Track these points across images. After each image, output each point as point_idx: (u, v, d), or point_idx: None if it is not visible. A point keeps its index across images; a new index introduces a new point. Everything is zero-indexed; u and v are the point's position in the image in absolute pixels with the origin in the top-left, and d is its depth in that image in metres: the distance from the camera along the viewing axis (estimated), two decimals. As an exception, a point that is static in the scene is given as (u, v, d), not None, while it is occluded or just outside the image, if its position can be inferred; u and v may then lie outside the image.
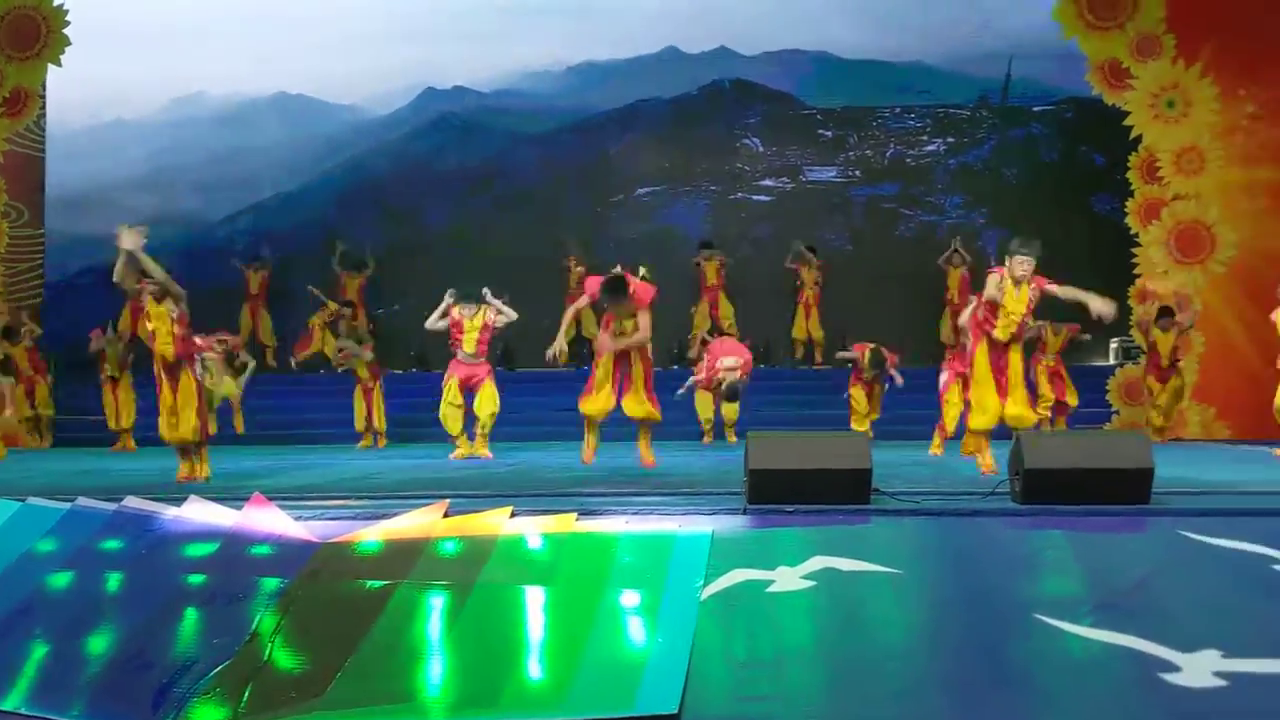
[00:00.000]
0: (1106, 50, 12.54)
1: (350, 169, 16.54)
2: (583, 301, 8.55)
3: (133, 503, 5.84)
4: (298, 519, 5.59)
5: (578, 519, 5.54)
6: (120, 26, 15.75)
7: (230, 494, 6.33)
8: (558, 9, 16.31)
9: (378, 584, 4.94)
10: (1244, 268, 11.96)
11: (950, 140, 16.01)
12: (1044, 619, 4.41)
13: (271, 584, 5.01)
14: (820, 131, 16.29)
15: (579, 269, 15.06)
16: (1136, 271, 12.57)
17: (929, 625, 4.53)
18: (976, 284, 14.40)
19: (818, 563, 4.91)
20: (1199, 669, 3.99)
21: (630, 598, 4.81)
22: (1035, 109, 15.82)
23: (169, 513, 5.73)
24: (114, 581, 5.19)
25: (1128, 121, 12.51)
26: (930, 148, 16.11)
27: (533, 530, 5.44)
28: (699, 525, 5.38)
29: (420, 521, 5.51)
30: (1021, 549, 5.12)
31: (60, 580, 5.21)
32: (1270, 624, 4.31)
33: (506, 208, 16.07)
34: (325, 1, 16.29)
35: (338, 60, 16.22)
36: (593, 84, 16.39)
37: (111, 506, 5.80)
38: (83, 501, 5.90)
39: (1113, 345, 14.15)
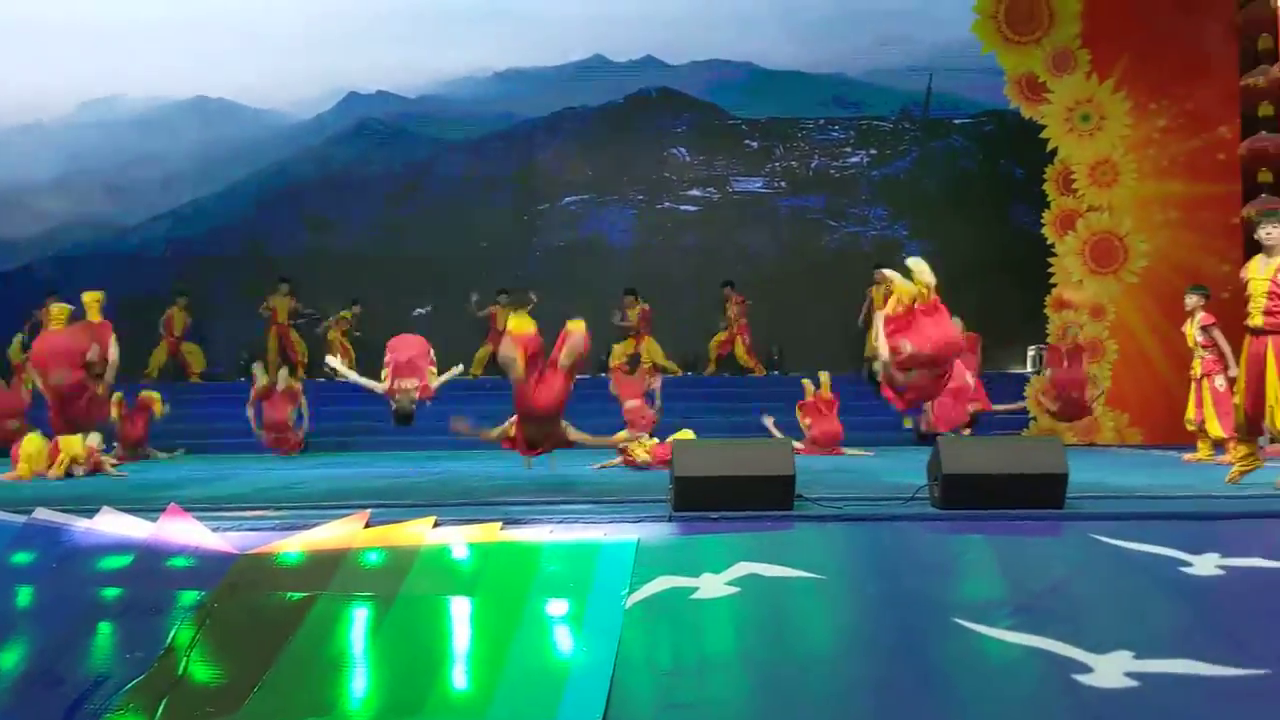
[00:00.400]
0: (1024, 64, 12.82)
1: (271, 174, 16.27)
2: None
3: (43, 515, 5.67)
4: (215, 530, 5.48)
5: (502, 528, 5.51)
6: (32, 27, 15.37)
7: (146, 505, 6.18)
8: (483, 15, 16.22)
9: (298, 595, 4.86)
10: (1156, 277, 12.30)
11: (873, 152, 16.24)
12: (962, 622, 4.47)
13: (190, 597, 4.90)
14: (747, 142, 16.41)
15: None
16: (1053, 281, 12.86)
17: (852, 630, 4.58)
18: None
19: (742, 569, 4.94)
20: (1111, 670, 4.08)
21: (555, 607, 4.80)
22: (956, 121, 16.11)
23: (80, 525, 5.58)
24: (24, 595, 5.04)
25: (1044, 134, 12.80)
26: (854, 159, 16.33)
27: (457, 540, 5.40)
28: (624, 533, 5.38)
29: (341, 532, 5.44)
30: (941, 553, 5.19)
31: (-32, 595, 5.05)
32: (1179, 625, 4.43)
33: (431, 215, 15.94)
34: (244, 4, 16.01)
35: (257, 64, 15.95)
36: (519, 91, 16.32)
37: (21, 519, 5.63)
38: (-9, 514, 5.72)
39: (1030, 352, 14.46)
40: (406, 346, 8.04)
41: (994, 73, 13.12)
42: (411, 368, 7.82)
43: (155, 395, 11.77)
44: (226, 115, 16.34)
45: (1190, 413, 9.83)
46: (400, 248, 15.84)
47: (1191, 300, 9.89)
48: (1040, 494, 5.71)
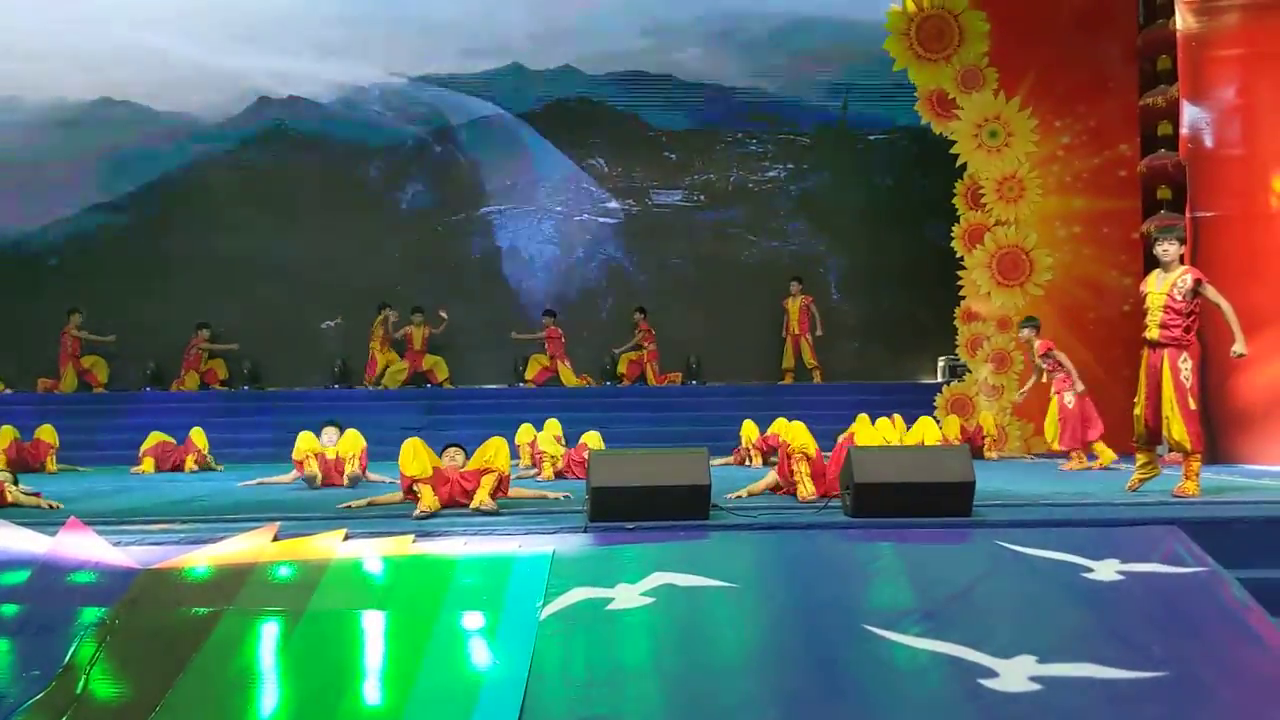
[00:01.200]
0: (934, 81, 13.07)
1: (178, 180, 15.87)
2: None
3: (-67, 530, 5.48)
4: (117, 544, 5.33)
5: (415, 540, 5.45)
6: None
7: (44, 519, 6.01)
8: (398, 21, 16.01)
9: (203, 610, 4.76)
10: (1059, 290, 12.63)
11: (791, 166, 16.37)
12: (873, 629, 4.54)
13: (91, 613, 4.79)
14: (666, 154, 16.44)
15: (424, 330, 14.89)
16: (962, 294, 13.13)
17: (765, 639, 4.62)
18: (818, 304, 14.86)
19: (657, 579, 4.96)
20: (1015, 674, 4.17)
21: (468, 620, 4.76)
22: (871, 137, 16.30)
23: (-27, 540, 5.39)
24: (-88, 614, 4.86)
25: (954, 150, 13.07)
26: (772, 173, 16.45)
27: (368, 553, 5.33)
28: (540, 545, 5.36)
29: (249, 545, 5.34)
30: (853, 561, 5.26)
31: None
32: (1080, 629, 4.54)
33: (343, 223, 15.69)
34: (151, 5, 15.60)
35: (165, 67, 15.57)
36: (435, 98, 16.18)
37: (-91, 534, 5.42)
38: (-126, 530, 5.50)
39: (940, 363, 14.75)
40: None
41: (907, 89, 13.36)
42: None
43: (50, 434, 11.36)
44: (131, 118, 15.89)
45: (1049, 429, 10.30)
46: (311, 257, 15.57)
47: (1024, 334, 10.53)
48: (949, 502, 5.82)
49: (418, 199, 16.00)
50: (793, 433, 6.97)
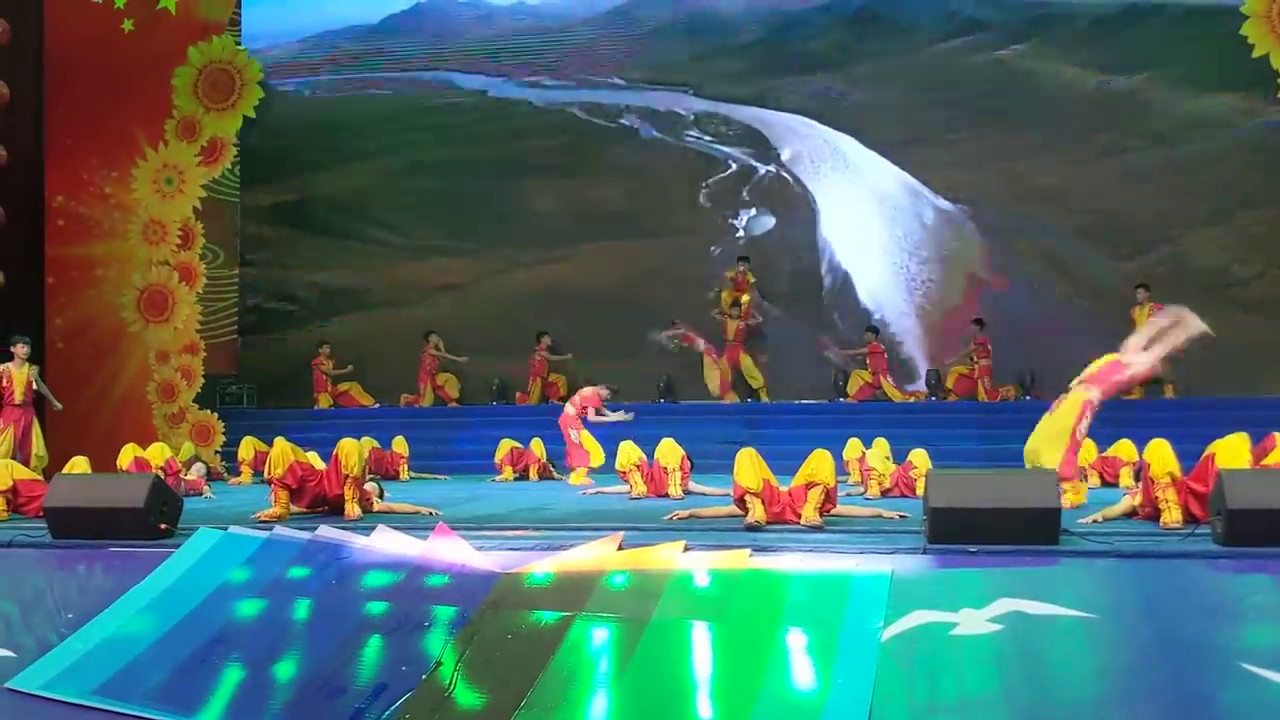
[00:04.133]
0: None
1: (505, 209, 16.91)
2: None
3: (325, 532, 6.09)
4: (479, 549, 5.72)
5: (751, 555, 5.50)
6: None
7: (414, 524, 6.55)
8: (707, 44, 16.32)
9: (556, 615, 5.00)
10: None
11: (1138, 165, 15.06)
12: (1253, 669, 4.17)
13: (446, 612, 5.14)
14: (999, 161, 15.56)
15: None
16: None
17: (1125, 673, 4.34)
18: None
19: (1004, 605, 4.75)
20: None
21: (806, 637, 4.74)
22: (1223, 130, 14.81)
23: (358, 542, 5.95)
24: (303, 609, 5.40)
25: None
26: (1115, 171, 15.21)
27: (706, 566, 5.42)
28: (877, 565, 5.26)
29: (595, 553, 5.57)
30: (1226, 594, 4.85)
31: (253, 607, 5.46)
32: None
33: (669, 246, 16.13)
34: (470, 46, 16.60)
35: (484, 102, 16.76)
36: (753, 118, 16.20)
37: (305, 536, 6.06)
38: (280, 531, 6.19)
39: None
40: None
41: (1268, 76, 12.17)
42: None
43: (402, 445, 12.48)
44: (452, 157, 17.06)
45: None
46: (620, 282, 15.98)
47: None
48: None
49: (750, 223, 16.15)
50: (1156, 453, 6.47)
